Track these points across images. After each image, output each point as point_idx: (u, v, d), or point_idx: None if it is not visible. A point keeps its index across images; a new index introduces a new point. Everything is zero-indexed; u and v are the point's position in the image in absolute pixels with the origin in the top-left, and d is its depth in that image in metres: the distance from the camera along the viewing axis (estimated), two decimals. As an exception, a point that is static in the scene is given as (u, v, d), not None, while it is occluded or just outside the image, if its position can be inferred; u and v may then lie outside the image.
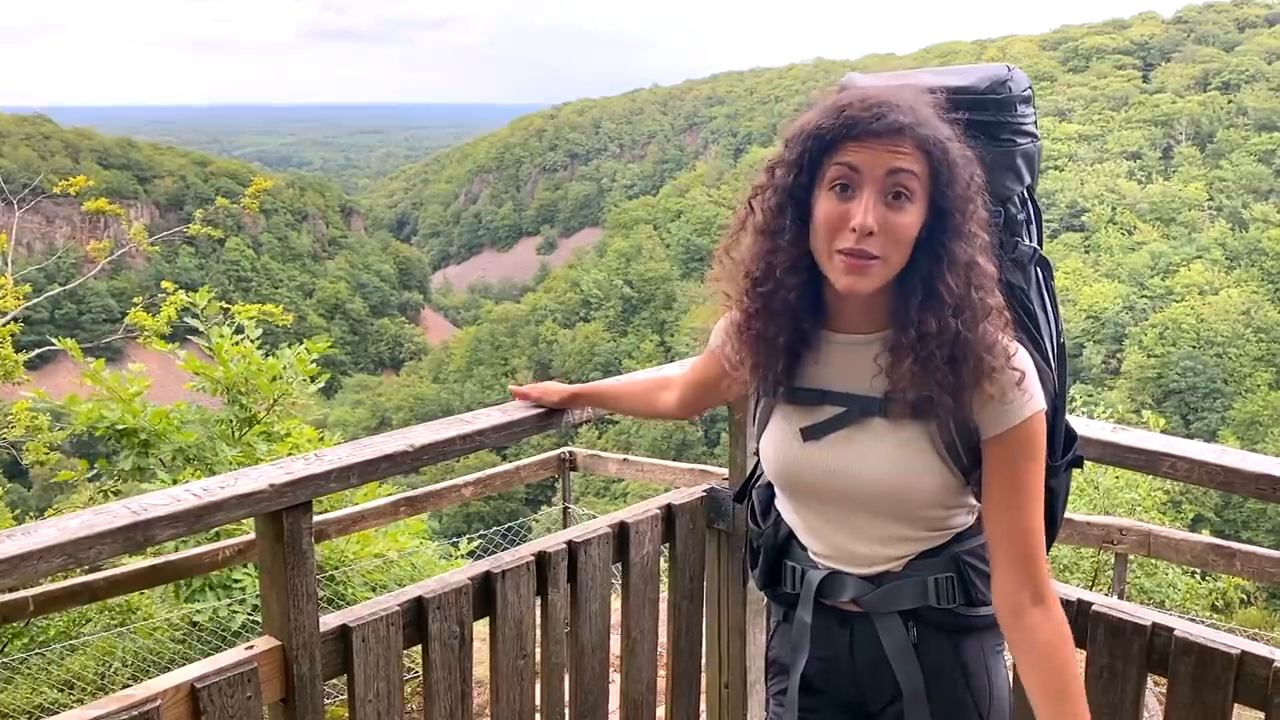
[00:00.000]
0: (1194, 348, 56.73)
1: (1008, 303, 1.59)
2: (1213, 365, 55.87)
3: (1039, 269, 1.73)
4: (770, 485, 1.83)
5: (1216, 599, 7.60)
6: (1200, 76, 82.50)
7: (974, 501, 1.66)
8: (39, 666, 5.33)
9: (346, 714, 2.04)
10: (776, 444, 1.70)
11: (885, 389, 1.58)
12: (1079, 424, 2.02)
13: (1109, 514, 5.77)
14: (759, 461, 1.84)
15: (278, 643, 1.88)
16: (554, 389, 2.26)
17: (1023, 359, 1.56)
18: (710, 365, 1.91)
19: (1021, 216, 1.72)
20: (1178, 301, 60.77)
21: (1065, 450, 1.77)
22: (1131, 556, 4.48)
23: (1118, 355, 59.79)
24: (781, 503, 1.80)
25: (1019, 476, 1.55)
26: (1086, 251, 68.66)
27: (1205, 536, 3.94)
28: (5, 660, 5.52)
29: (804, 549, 1.75)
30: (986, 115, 1.66)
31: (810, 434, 1.64)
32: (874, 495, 1.61)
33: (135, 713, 1.68)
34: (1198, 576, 7.04)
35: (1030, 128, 1.72)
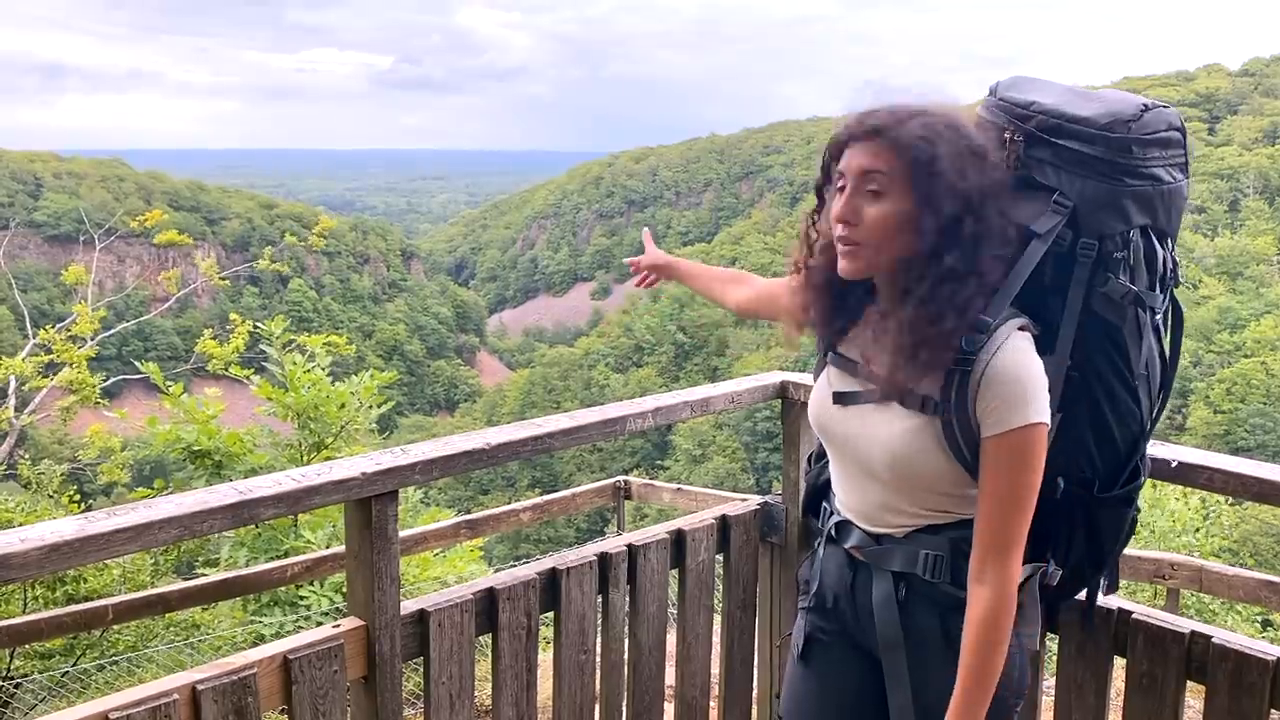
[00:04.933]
0: (1264, 404, 55.18)
1: (1105, 336, 1.72)
2: (1285, 423, 54.28)
3: (1136, 308, 1.74)
4: None
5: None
6: (1269, 129, 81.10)
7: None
8: (114, 675, 5.54)
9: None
10: (817, 399, 1.92)
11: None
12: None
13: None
14: None
15: (361, 623, 2.03)
16: (657, 254, 2.57)
17: (1032, 369, 1.65)
18: (783, 289, 2.13)
19: (1119, 255, 1.72)
20: (1247, 357, 59.26)
21: (1126, 483, 1.82)
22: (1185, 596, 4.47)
23: (1183, 410, 58.36)
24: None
25: (1004, 478, 1.65)
26: (1150, 304, 67.23)
27: (1259, 573, 3.93)
28: (80, 669, 5.75)
29: (834, 494, 1.97)
30: (1094, 150, 1.70)
31: (839, 399, 1.85)
32: (882, 469, 1.78)
33: (235, 678, 1.84)
34: (1258, 624, 6.92)
35: (1152, 170, 1.72)
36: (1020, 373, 1.64)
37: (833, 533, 1.93)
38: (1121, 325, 1.74)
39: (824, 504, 2.00)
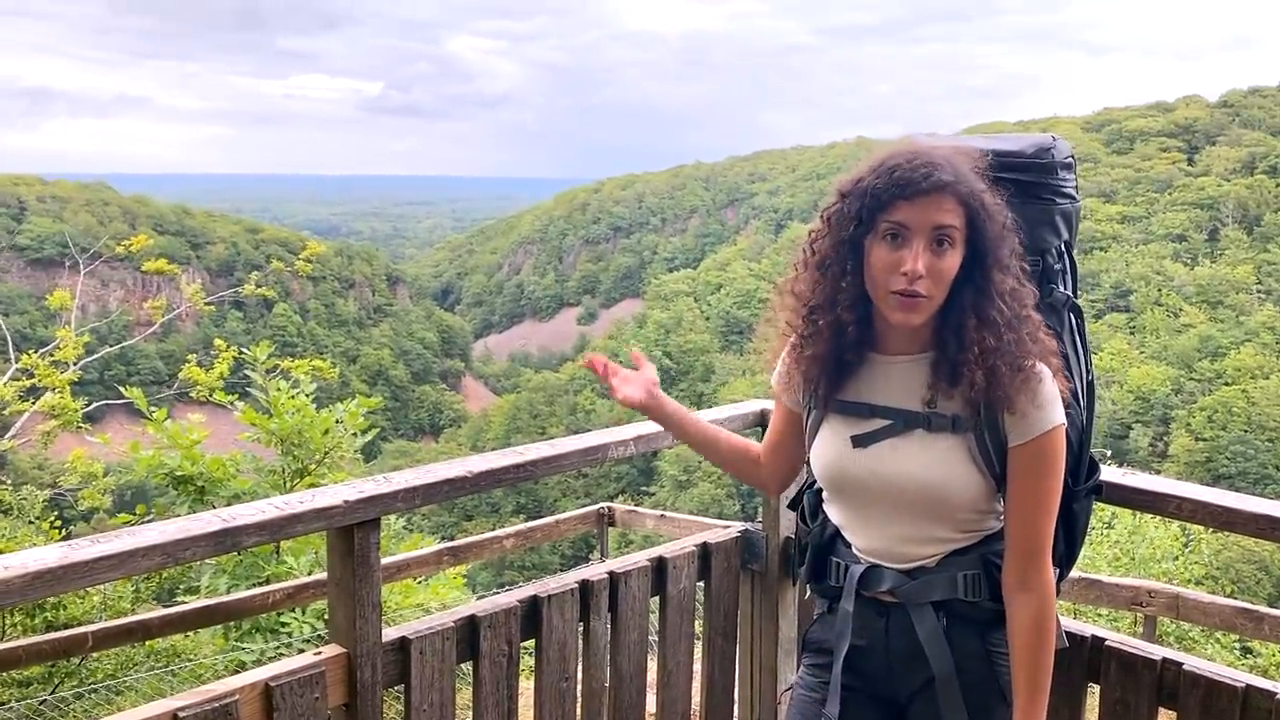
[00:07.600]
0: (1245, 432, 55.58)
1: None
2: (1264, 450, 54.63)
3: (1071, 314, 1.96)
4: (819, 491, 2.02)
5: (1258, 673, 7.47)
6: (1247, 160, 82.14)
7: (1003, 508, 1.83)
8: (92, 704, 5.49)
9: (402, 722, 2.18)
10: (827, 449, 1.90)
11: (926, 401, 1.79)
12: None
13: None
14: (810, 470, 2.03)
15: (343, 650, 2.04)
16: (637, 381, 2.10)
17: (1046, 375, 1.76)
18: (781, 417, 2.07)
19: (1058, 267, 1.96)
20: (1228, 385, 59.72)
21: (1088, 477, 1.97)
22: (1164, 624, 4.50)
23: (1165, 438, 58.71)
24: (829, 505, 1.99)
25: (1035, 482, 1.76)
26: (1131, 333, 67.91)
27: (1234, 600, 3.98)
28: (58, 698, 5.70)
29: (848, 546, 1.94)
30: (1030, 177, 1.92)
31: (859, 441, 1.84)
32: (914, 498, 1.80)
33: (215, 706, 1.85)
34: (1238, 652, 6.96)
35: (1069, 190, 1.97)
36: (1039, 381, 1.75)
37: (857, 582, 1.89)
38: (1061, 332, 1.93)
39: (832, 560, 1.96)
